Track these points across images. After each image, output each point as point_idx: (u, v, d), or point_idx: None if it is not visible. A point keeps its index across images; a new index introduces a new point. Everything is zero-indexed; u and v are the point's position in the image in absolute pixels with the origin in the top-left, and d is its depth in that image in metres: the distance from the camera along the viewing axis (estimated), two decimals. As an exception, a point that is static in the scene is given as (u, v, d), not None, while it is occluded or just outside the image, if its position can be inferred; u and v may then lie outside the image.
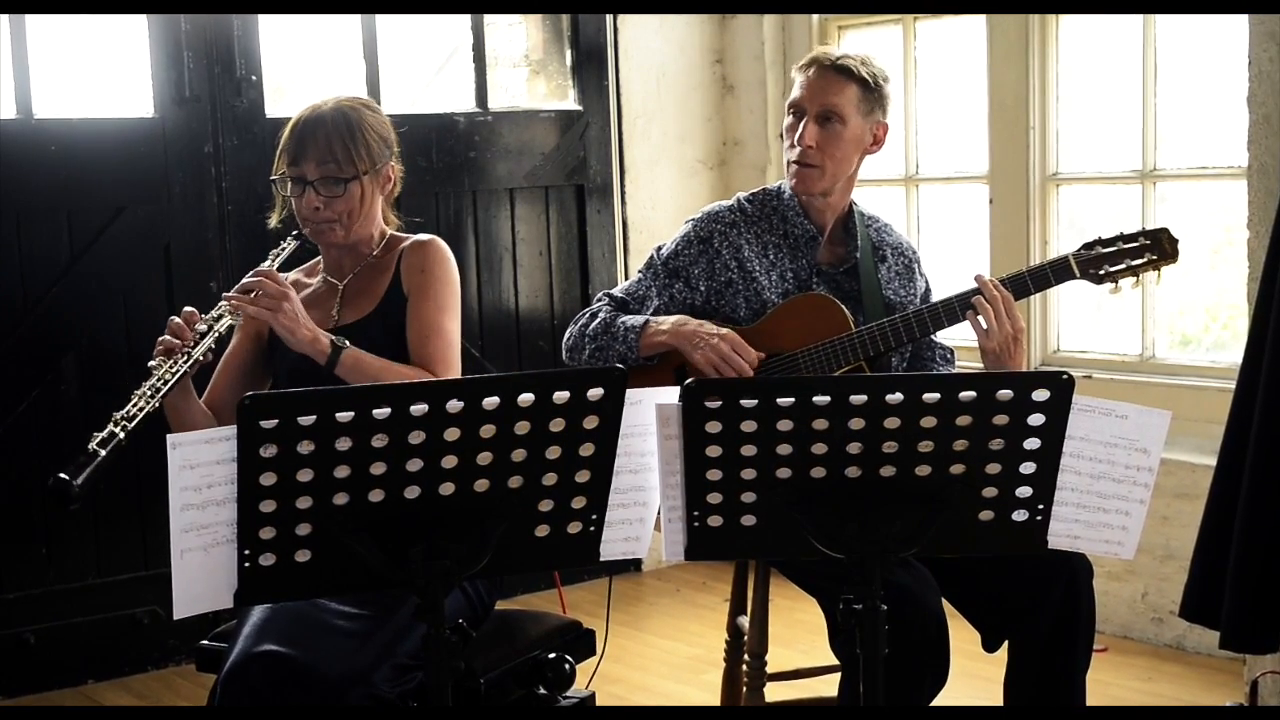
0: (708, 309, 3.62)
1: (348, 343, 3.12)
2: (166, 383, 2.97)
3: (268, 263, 3.22)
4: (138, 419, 2.87)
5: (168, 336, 3.04)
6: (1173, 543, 4.78)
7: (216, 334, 3.07)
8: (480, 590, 3.21)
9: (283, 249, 3.27)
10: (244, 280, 3.14)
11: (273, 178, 3.31)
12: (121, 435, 2.84)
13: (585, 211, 5.91)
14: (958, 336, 3.57)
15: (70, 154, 4.85)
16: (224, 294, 3.13)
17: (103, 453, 2.79)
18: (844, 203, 3.67)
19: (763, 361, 3.49)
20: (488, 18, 5.67)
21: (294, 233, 3.30)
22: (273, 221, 3.41)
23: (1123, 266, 3.39)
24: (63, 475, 2.71)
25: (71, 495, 2.71)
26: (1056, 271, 3.40)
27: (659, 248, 3.73)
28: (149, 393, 2.93)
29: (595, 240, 5.93)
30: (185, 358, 3.01)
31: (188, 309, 3.09)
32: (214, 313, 3.10)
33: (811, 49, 5.81)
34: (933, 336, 3.61)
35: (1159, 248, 3.39)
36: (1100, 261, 3.39)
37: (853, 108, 3.54)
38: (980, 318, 3.35)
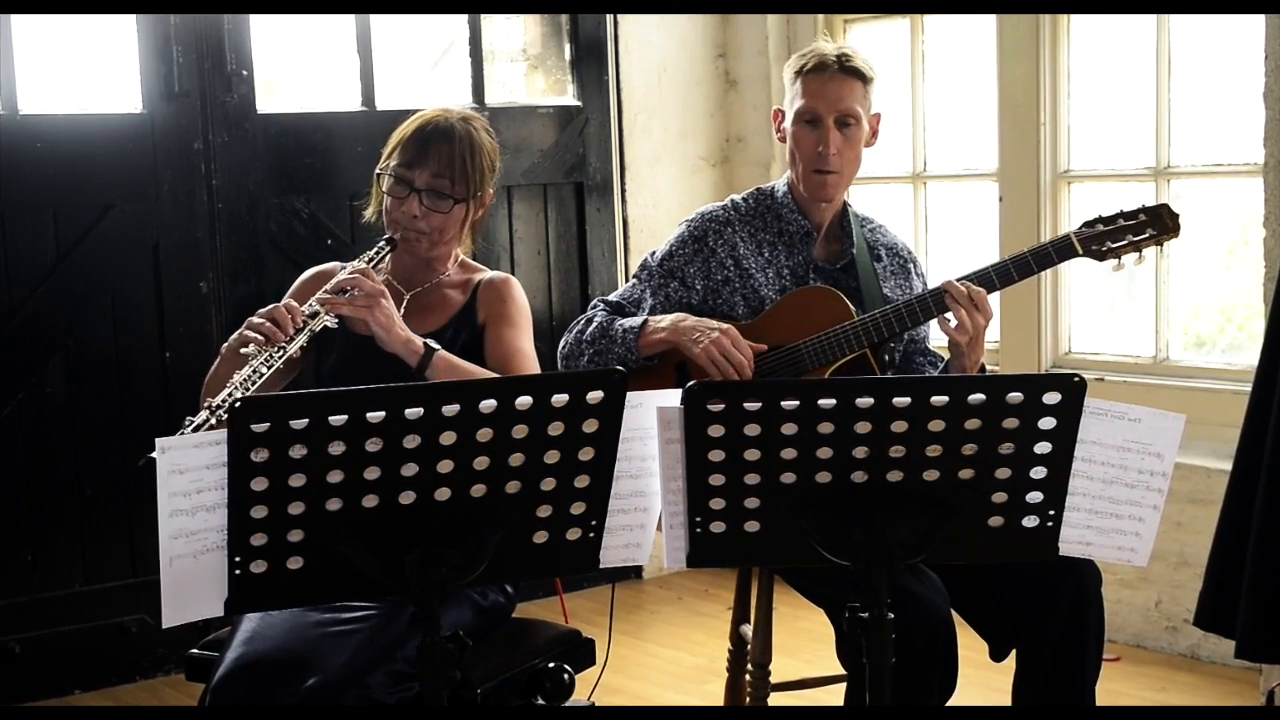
0: (704, 308, 3.61)
1: (439, 345, 3.12)
2: (263, 375, 2.94)
3: (360, 262, 3.21)
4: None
5: (267, 324, 3.01)
6: (1187, 549, 4.73)
7: (311, 333, 3.05)
8: (499, 598, 3.21)
9: (378, 251, 3.26)
10: (339, 278, 3.14)
11: (378, 171, 3.31)
12: (214, 422, 2.79)
13: (584, 210, 5.87)
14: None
15: (57, 151, 4.80)
16: (319, 294, 3.12)
17: None
18: (842, 199, 3.67)
19: (766, 353, 3.48)
20: (485, 11, 5.65)
21: (386, 237, 3.29)
22: (368, 214, 3.41)
23: (1125, 242, 3.41)
24: (154, 456, 2.60)
25: None
26: (1059, 250, 3.41)
27: (651, 253, 3.74)
28: (244, 383, 2.89)
29: (595, 239, 5.89)
30: (281, 352, 2.98)
31: (289, 301, 3.08)
32: (309, 309, 3.08)
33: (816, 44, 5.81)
34: (927, 344, 3.65)
35: (1159, 222, 3.42)
36: (1102, 238, 3.41)
37: (861, 107, 3.56)
38: (950, 314, 3.37)
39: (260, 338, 2.98)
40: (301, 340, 3.02)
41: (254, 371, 2.93)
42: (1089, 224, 3.41)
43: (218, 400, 2.83)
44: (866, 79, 3.55)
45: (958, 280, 3.39)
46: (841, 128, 3.53)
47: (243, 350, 2.98)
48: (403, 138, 3.27)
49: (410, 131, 3.26)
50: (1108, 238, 3.39)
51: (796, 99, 3.56)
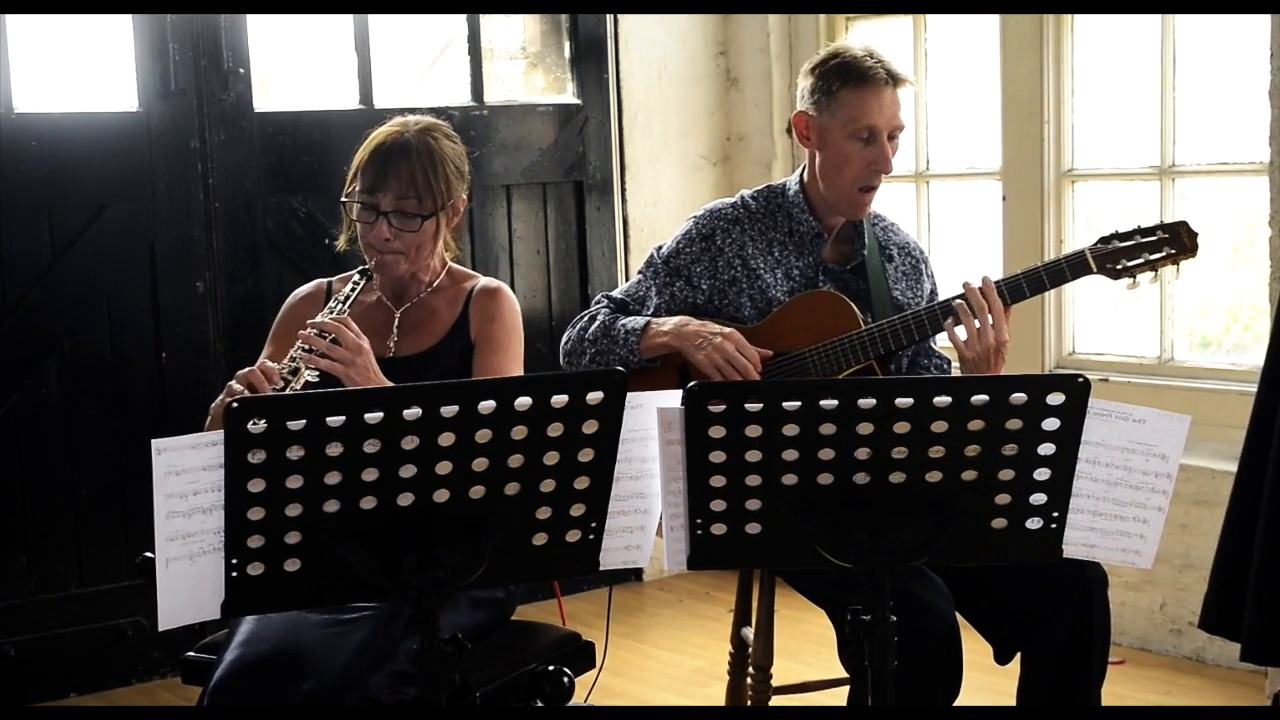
0: (710, 308, 3.59)
1: None
2: None
3: (337, 307, 3.17)
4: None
5: (242, 389, 2.95)
6: (1192, 551, 4.70)
7: (292, 390, 2.99)
8: (498, 599, 3.19)
9: (353, 287, 3.22)
10: (321, 320, 3.09)
11: (343, 199, 3.28)
12: None
13: (584, 209, 5.83)
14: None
15: (52, 149, 4.77)
16: (298, 344, 3.05)
17: None
18: None
19: (771, 360, 3.45)
20: (484, 7, 5.62)
21: (360, 269, 3.26)
22: (340, 244, 3.39)
23: (1140, 261, 3.36)
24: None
25: None
26: (1073, 267, 3.37)
27: (659, 247, 3.70)
28: None
29: (595, 239, 5.85)
30: None
31: (266, 364, 3.02)
32: (289, 364, 3.03)
33: (819, 42, 5.79)
34: (932, 345, 3.60)
35: (1178, 241, 3.36)
36: (1117, 256, 3.36)
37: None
38: (960, 328, 3.33)
39: None
40: None
41: None
42: (1104, 240, 3.36)
43: None
44: (908, 85, 3.51)
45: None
46: (890, 140, 3.48)
47: None
48: (361, 162, 3.23)
49: (368, 155, 3.22)
50: (1123, 255, 3.34)
51: (843, 111, 3.46)
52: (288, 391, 2.97)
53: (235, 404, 2.22)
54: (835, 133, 3.48)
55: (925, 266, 3.71)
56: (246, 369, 3.01)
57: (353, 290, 3.21)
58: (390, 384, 3.07)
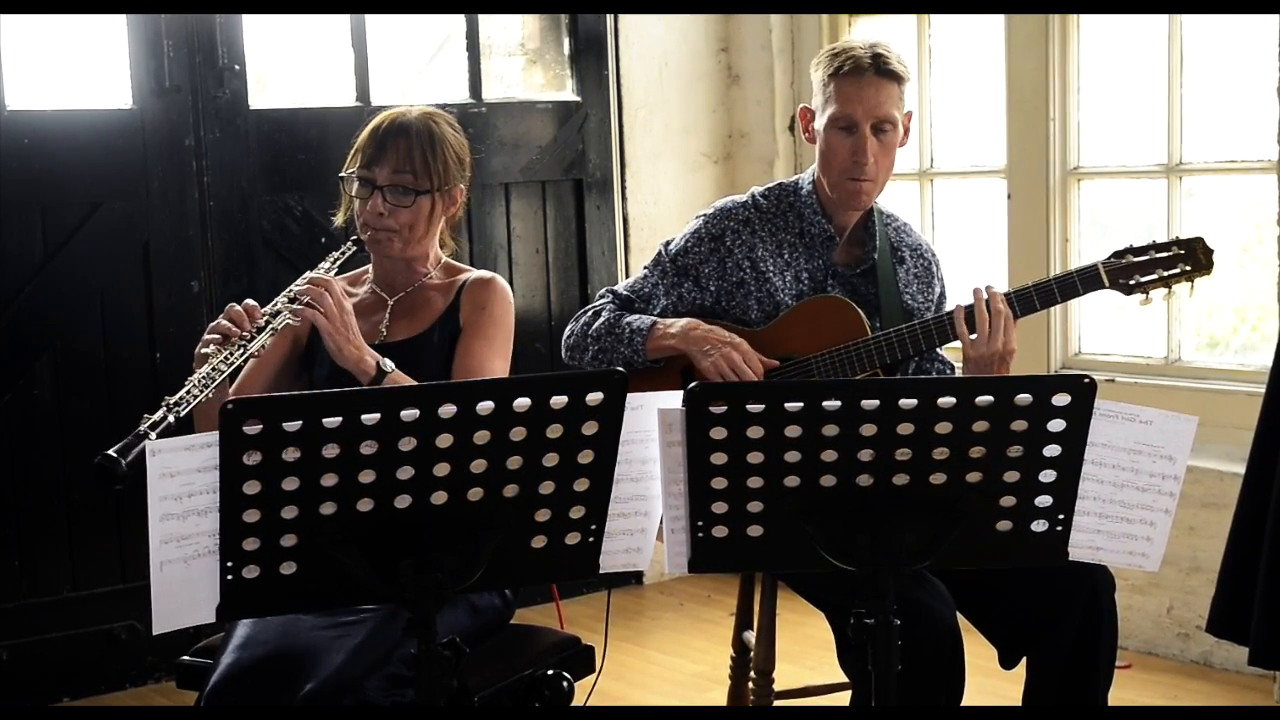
0: (718, 310, 3.57)
1: (393, 366, 3.08)
2: (221, 373, 2.92)
3: (326, 265, 3.19)
4: (190, 406, 2.81)
5: (225, 323, 2.99)
6: (1199, 554, 4.68)
7: (273, 331, 3.02)
8: (497, 603, 3.19)
9: (342, 254, 3.24)
10: (306, 277, 3.12)
11: (341, 175, 3.30)
12: (172, 420, 2.76)
13: (584, 207, 5.81)
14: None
15: (44, 147, 4.75)
16: (284, 292, 3.09)
17: (153, 436, 2.69)
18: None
19: (776, 369, 3.45)
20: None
21: (353, 238, 3.27)
22: (338, 220, 3.40)
23: (1154, 277, 3.35)
24: (111, 453, 2.65)
25: (118, 475, 2.64)
26: (1085, 280, 3.36)
27: (667, 243, 3.68)
28: (202, 381, 2.87)
29: (594, 237, 5.83)
30: (240, 350, 2.96)
31: (248, 301, 3.05)
32: (271, 308, 3.06)
33: (821, 38, 5.76)
34: (938, 349, 3.58)
35: (1193, 258, 3.35)
36: (1131, 271, 3.35)
37: (897, 110, 3.48)
38: (973, 332, 3.33)
39: (218, 337, 2.97)
40: (263, 339, 2.99)
41: (213, 370, 2.90)
42: (1118, 254, 3.35)
43: (175, 398, 2.80)
44: (902, 80, 3.46)
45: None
46: (878, 134, 3.44)
47: (202, 351, 2.97)
48: (362, 140, 3.26)
49: (366, 134, 3.26)
50: (1136, 270, 3.33)
51: (830, 103, 3.46)
52: (268, 330, 2.99)
53: (230, 405, 2.20)
54: (823, 123, 3.48)
55: (937, 269, 3.69)
56: (230, 304, 3.04)
57: (342, 254, 3.22)
58: (369, 352, 3.07)
